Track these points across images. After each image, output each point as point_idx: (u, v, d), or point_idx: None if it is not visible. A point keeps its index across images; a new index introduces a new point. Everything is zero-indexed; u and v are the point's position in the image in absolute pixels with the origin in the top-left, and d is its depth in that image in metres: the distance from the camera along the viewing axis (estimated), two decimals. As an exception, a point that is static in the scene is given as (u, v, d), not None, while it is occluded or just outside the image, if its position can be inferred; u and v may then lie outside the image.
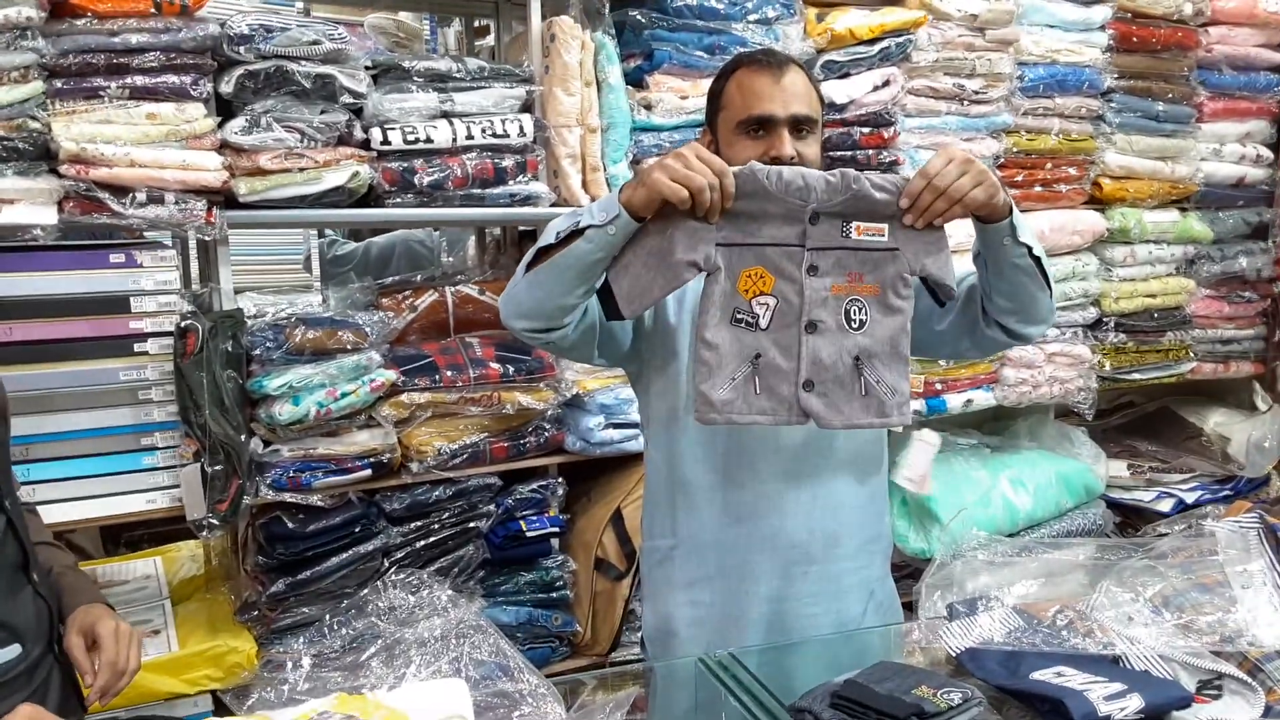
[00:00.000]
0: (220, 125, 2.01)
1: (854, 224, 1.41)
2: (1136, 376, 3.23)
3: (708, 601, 1.70)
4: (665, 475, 1.70)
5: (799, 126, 1.58)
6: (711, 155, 1.39)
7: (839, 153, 2.65)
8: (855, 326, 1.43)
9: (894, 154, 2.72)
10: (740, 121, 1.59)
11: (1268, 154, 3.33)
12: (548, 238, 1.44)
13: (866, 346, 1.43)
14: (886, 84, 2.67)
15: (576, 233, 1.39)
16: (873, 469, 1.72)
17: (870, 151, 2.69)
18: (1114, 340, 3.16)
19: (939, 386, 2.94)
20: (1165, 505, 3.13)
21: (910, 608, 2.93)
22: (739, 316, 1.42)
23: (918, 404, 2.92)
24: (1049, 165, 2.99)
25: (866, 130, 2.67)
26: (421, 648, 1.50)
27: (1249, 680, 1.23)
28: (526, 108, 2.35)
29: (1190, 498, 3.16)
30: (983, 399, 3.02)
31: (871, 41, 2.62)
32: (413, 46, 3.62)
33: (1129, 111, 3.05)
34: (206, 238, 2.03)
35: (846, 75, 2.63)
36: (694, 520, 1.68)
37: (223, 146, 2.02)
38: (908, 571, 3.02)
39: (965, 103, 2.81)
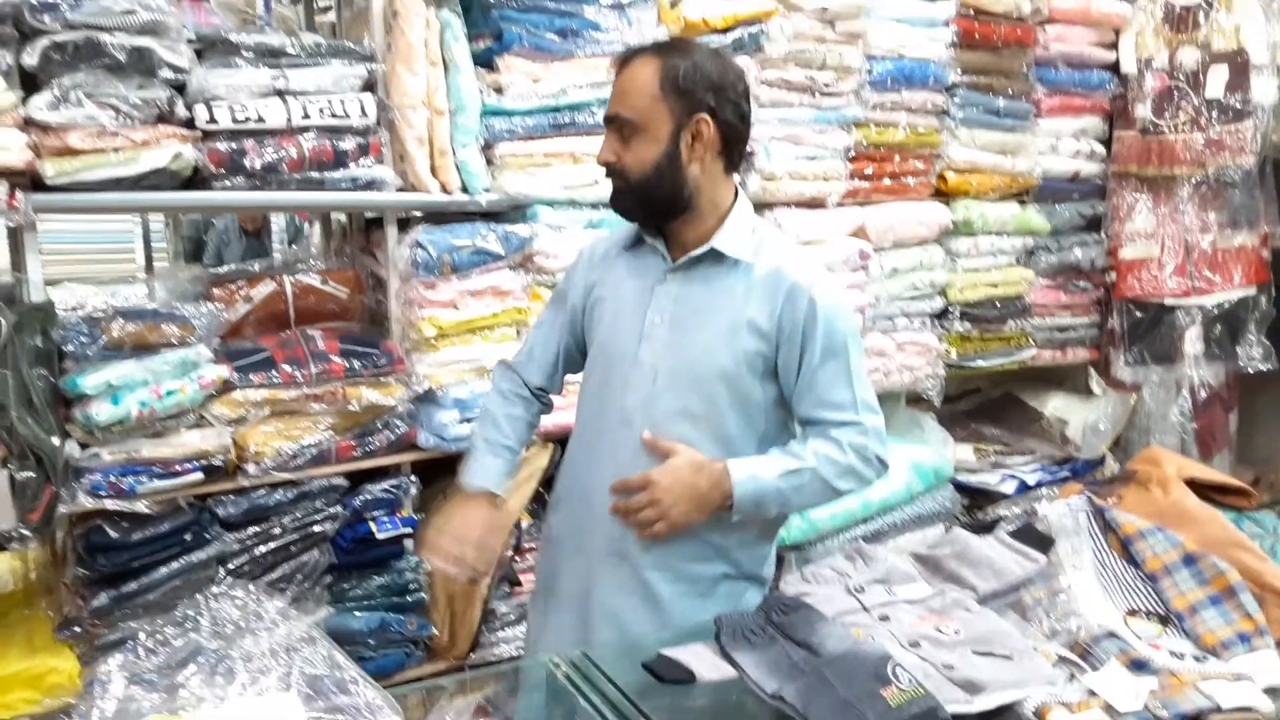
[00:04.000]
0: (24, 101, 1.84)
1: (893, 586, 1.46)
2: (981, 363, 3.35)
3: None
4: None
5: (615, 125, 1.61)
6: None
7: (694, 142, 2.63)
8: (953, 636, 1.35)
9: (749, 146, 2.72)
10: None
11: (1100, 149, 3.50)
12: None
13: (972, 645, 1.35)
14: (740, 74, 2.67)
15: None
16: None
17: (725, 141, 2.68)
18: (959, 329, 3.26)
19: (795, 375, 2.97)
20: (1009, 487, 3.25)
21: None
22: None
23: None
24: (897, 158, 3.06)
25: (721, 120, 2.66)
26: (248, 663, 1.40)
27: (1080, 663, 1.26)
28: (369, 87, 2.25)
29: (1031, 479, 3.29)
30: (837, 387, 3.06)
31: (725, 30, 2.62)
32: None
33: (972, 106, 3.15)
34: (9, 223, 1.85)
35: (701, 64, 2.62)
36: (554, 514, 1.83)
37: (27, 124, 1.85)
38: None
39: (817, 95, 2.84)
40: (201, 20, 3.58)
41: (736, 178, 1.73)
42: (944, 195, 3.19)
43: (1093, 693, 1.21)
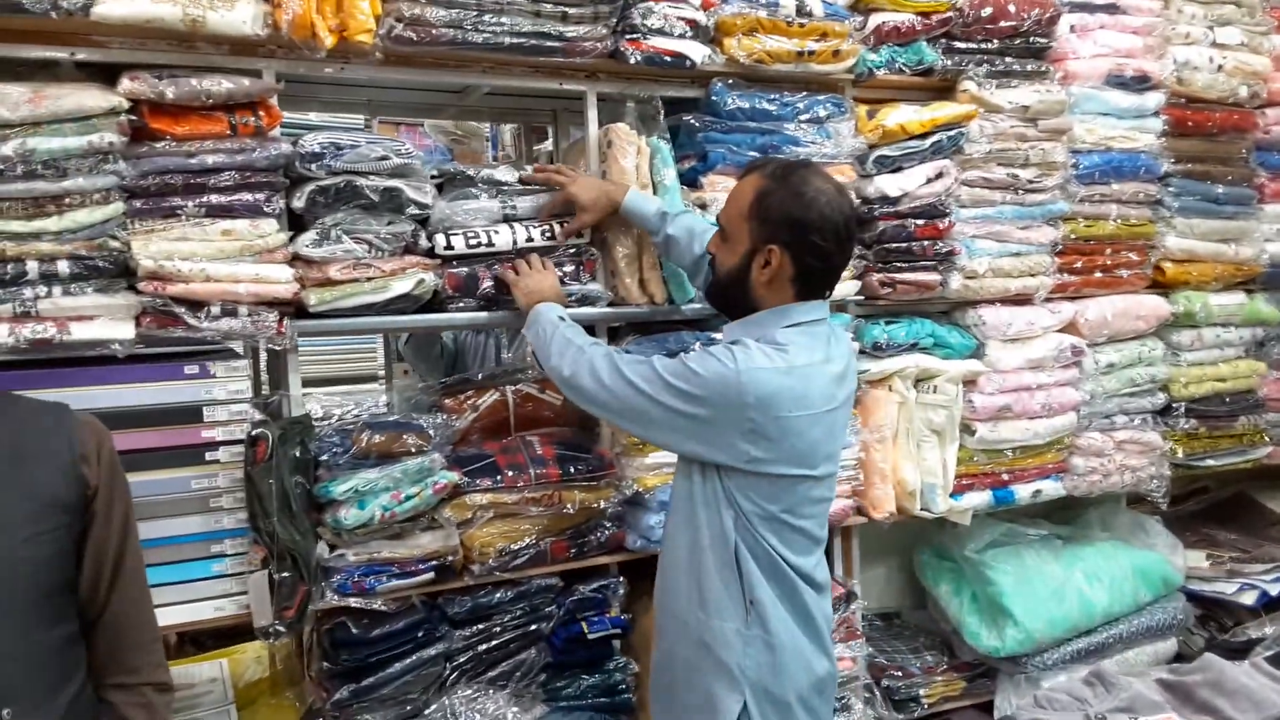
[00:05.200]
0: (291, 239, 2.07)
1: (1140, 717, 1.64)
2: (1211, 463, 3.15)
3: None
4: None
5: (719, 227, 1.93)
6: None
7: (894, 244, 2.66)
8: None
9: (949, 245, 2.72)
10: None
11: (1335, 233, 3.27)
12: None
13: None
14: (940, 176, 2.69)
15: None
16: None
17: (925, 243, 2.69)
18: (1185, 426, 3.08)
19: (1006, 477, 2.88)
20: (1249, 598, 3.01)
21: (988, 708, 2.84)
22: None
23: (984, 495, 2.86)
24: (1109, 250, 2.97)
25: (921, 222, 2.67)
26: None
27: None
28: (585, 212, 2.39)
29: (1274, 589, 3.03)
30: (1052, 489, 2.95)
31: (923, 136, 2.65)
32: (470, 144, 3.73)
33: (1188, 195, 3.03)
34: (278, 348, 2.08)
35: (899, 169, 2.65)
36: None
37: (294, 259, 2.08)
38: (982, 670, 2.93)
39: (1020, 192, 2.81)
40: (417, 143, 3.93)
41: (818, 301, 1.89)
42: (1162, 286, 3.06)
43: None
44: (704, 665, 1.86)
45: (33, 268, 1.84)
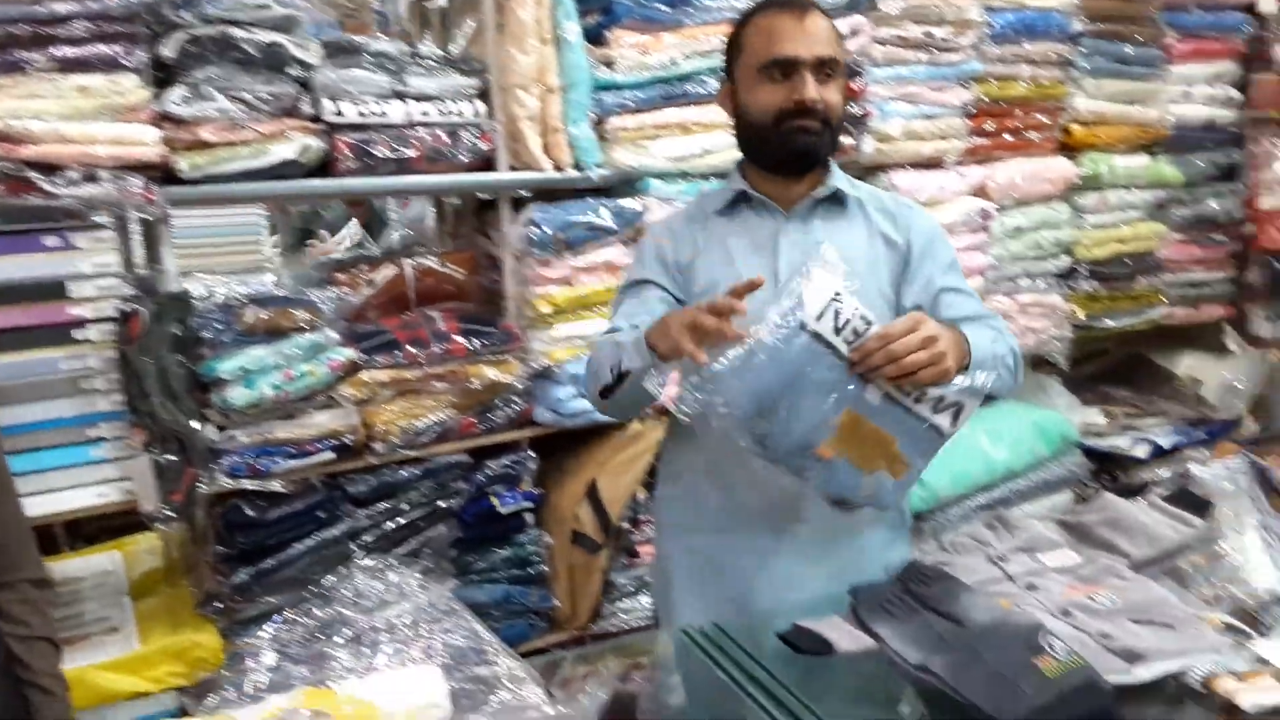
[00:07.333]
0: (158, 96, 1.90)
1: (1039, 555, 1.44)
2: (1110, 324, 3.20)
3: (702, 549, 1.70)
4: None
5: (822, 68, 1.55)
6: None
7: (805, 106, 2.57)
8: (1107, 604, 1.34)
9: (863, 107, 2.65)
10: (762, 65, 1.56)
11: (1236, 95, 3.30)
12: (602, 378, 1.49)
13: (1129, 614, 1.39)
14: (854, 34, 2.60)
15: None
16: None
17: (837, 104, 2.61)
18: (1087, 288, 3.12)
19: (914, 342, 2.89)
20: (1141, 451, 3.11)
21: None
22: None
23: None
24: (1019, 113, 2.94)
25: (833, 82, 2.59)
26: (391, 634, 1.43)
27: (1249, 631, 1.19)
28: (481, 96, 2.27)
29: (1166, 442, 3.14)
30: (958, 353, 2.97)
31: (838, -10, 2.54)
32: (361, 15, 3.49)
33: (1098, 55, 3.00)
34: (147, 216, 1.93)
35: (811, 25, 2.55)
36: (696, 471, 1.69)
37: (162, 119, 1.91)
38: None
39: (934, 51, 2.74)
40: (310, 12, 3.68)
41: None
42: (1070, 149, 3.05)
43: (1263, 660, 1.14)
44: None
45: None
